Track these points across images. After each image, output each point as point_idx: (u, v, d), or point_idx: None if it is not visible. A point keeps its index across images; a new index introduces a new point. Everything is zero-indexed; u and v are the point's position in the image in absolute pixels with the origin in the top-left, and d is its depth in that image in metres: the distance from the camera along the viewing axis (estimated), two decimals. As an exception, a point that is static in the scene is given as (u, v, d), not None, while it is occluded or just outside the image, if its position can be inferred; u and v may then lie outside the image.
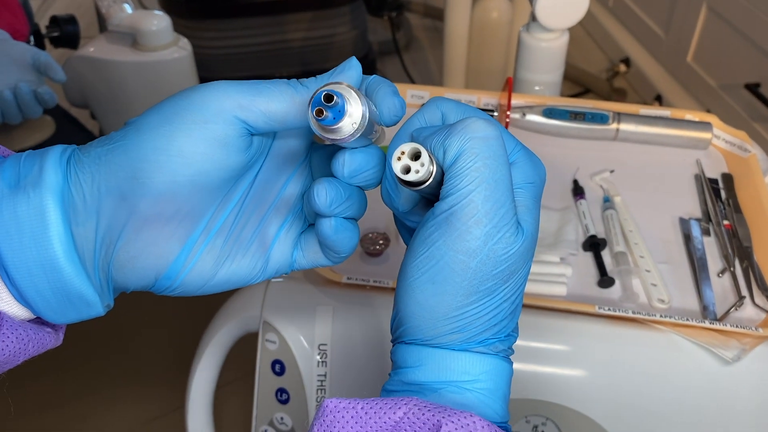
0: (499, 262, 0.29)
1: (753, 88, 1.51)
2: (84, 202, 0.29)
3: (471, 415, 0.27)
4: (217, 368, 0.62)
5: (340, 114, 0.27)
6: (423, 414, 0.27)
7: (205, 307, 0.67)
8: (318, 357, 0.58)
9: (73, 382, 1.12)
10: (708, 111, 1.72)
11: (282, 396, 0.59)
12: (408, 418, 0.27)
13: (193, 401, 0.63)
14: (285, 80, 0.30)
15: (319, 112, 0.27)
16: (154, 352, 1.15)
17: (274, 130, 0.30)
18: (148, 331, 1.17)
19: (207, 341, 0.61)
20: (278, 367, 0.59)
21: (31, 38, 1.11)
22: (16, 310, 0.29)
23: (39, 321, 0.31)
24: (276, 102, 0.29)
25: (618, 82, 2.00)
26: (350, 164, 0.31)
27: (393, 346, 0.33)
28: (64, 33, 1.19)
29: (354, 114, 0.28)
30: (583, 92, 1.99)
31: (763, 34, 1.48)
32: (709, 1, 1.64)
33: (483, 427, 0.27)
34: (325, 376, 0.58)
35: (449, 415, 0.27)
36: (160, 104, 0.29)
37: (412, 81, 1.89)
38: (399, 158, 0.28)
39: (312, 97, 0.27)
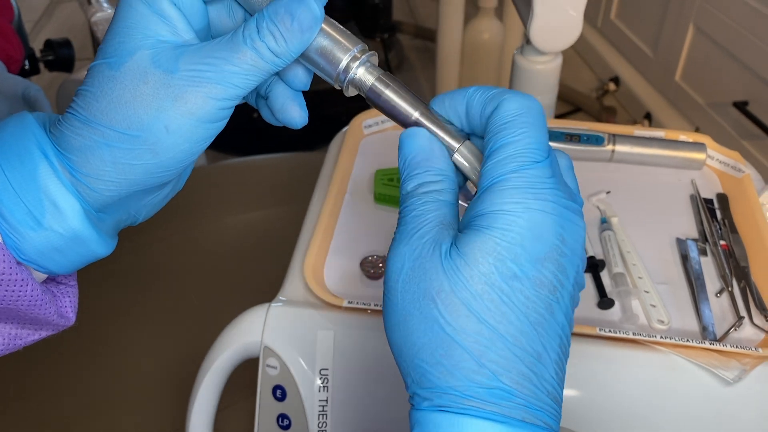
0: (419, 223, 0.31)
1: (741, 106, 1.54)
2: (111, 198, 0.31)
3: None
4: (217, 393, 0.62)
5: None
6: None
7: (205, 331, 0.67)
8: (319, 382, 0.57)
9: (71, 403, 1.10)
10: (697, 129, 1.74)
11: (283, 422, 0.59)
12: None
13: (193, 426, 0.62)
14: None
15: None
16: (154, 375, 1.13)
17: None
18: (148, 353, 1.16)
19: (207, 366, 0.61)
20: (279, 393, 0.59)
21: (26, 62, 1.11)
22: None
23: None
24: None
25: (608, 101, 2.03)
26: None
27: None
28: (59, 57, 1.19)
29: None
30: (574, 111, 2.01)
31: (749, 53, 1.51)
32: (696, 20, 1.67)
33: None
34: (326, 401, 0.58)
35: None
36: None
37: (404, 101, 1.91)
38: None
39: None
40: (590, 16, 2.19)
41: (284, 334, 0.59)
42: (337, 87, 0.33)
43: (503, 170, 0.30)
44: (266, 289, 0.65)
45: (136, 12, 0.30)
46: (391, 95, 0.32)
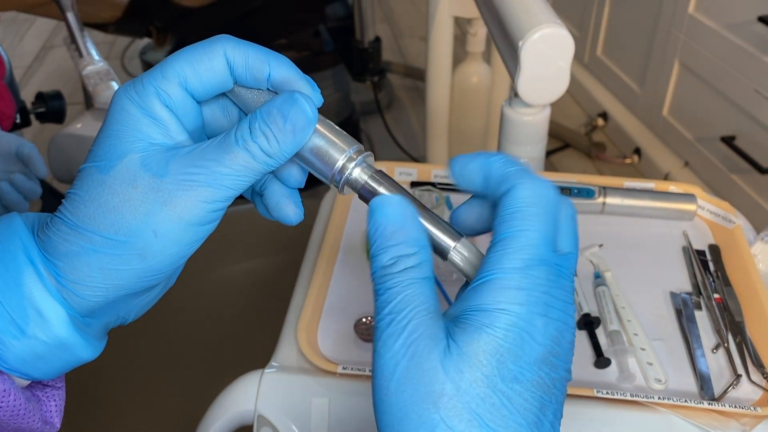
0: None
1: (728, 141, 1.55)
2: (99, 307, 0.31)
3: None
4: (211, 463, 0.61)
5: None
6: None
7: (198, 399, 0.66)
8: (315, 451, 0.56)
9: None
10: (687, 164, 1.76)
11: (279, 492, 0.58)
12: None
13: (186, 498, 0.61)
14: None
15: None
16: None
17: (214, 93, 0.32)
18: (141, 423, 1.14)
19: (200, 436, 0.60)
20: (274, 462, 0.58)
21: (17, 115, 1.11)
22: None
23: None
24: (209, 72, 0.31)
25: (597, 136, 2.04)
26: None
27: None
28: (50, 109, 1.19)
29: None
30: (563, 147, 2.03)
31: (734, 89, 1.53)
32: (681, 57, 1.70)
33: None
34: (322, 470, 0.57)
35: None
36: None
37: (394, 139, 1.92)
38: None
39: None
40: (577, 52, 2.21)
41: (278, 401, 0.58)
42: (332, 186, 0.32)
43: (508, 265, 0.29)
44: (259, 343, 0.63)
45: (127, 114, 0.30)
46: (384, 193, 0.32)
